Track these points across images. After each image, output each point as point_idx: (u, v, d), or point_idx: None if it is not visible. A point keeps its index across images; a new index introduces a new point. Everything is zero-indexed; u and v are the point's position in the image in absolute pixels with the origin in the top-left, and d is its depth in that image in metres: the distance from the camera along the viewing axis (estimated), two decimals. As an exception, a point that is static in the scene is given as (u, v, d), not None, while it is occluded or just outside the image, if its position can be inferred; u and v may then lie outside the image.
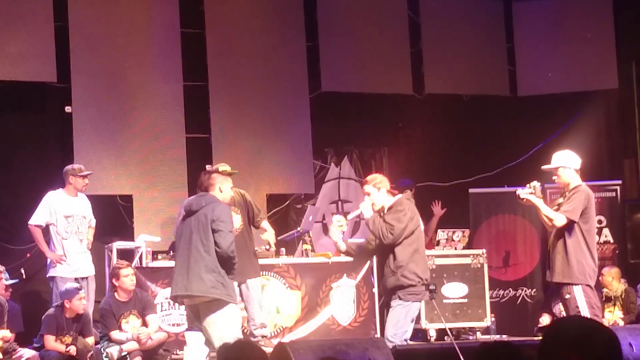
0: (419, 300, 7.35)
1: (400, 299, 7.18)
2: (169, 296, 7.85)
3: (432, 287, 7.30)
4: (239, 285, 8.57)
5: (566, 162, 7.62)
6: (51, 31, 10.01)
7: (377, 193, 7.35)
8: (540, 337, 2.63)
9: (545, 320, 10.29)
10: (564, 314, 9.81)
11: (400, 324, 7.18)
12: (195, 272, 6.98)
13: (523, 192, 7.59)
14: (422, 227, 7.54)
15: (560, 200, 7.65)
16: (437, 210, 11.11)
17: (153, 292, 8.84)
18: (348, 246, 7.71)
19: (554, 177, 7.69)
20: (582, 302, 7.36)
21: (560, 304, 9.81)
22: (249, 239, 8.77)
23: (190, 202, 7.41)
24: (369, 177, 7.56)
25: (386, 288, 7.34)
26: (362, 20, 11.44)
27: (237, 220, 8.56)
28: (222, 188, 7.34)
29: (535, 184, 7.61)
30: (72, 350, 8.03)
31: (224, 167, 8.80)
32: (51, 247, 8.84)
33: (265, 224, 9.03)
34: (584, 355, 2.49)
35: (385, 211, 7.34)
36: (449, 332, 7.67)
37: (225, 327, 6.93)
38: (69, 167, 9.01)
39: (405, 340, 7.17)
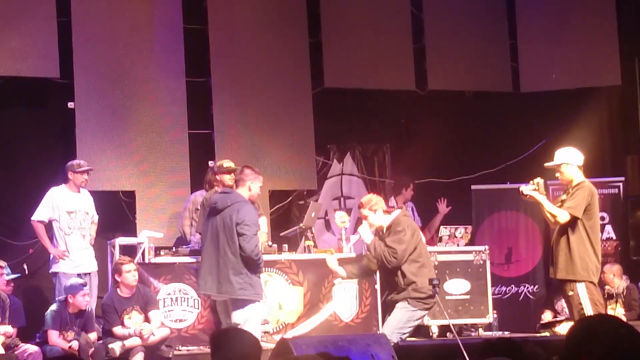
0: (426, 310, 7.38)
1: (408, 303, 7.22)
2: (198, 290, 8.19)
3: (435, 281, 7.32)
4: None
5: (569, 159, 7.61)
6: (54, 27, 10.01)
7: (374, 215, 7.38)
8: (565, 339, 2.58)
9: (547, 317, 10.29)
10: (566, 310, 9.81)
11: (400, 324, 7.22)
12: (224, 274, 7.31)
13: (526, 189, 7.59)
14: (423, 239, 7.57)
15: (564, 197, 7.64)
16: (442, 207, 11.09)
17: (155, 288, 8.84)
18: (348, 271, 7.72)
19: (557, 174, 7.69)
20: (585, 299, 7.36)
21: (563, 300, 9.82)
22: None
23: (215, 199, 7.52)
24: (363, 200, 7.55)
25: (396, 300, 7.35)
26: (365, 16, 11.43)
27: None
28: (252, 186, 7.45)
29: (539, 180, 7.61)
30: (75, 345, 8.04)
31: (228, 163, 8.82)
32: (54, 242, 8.85)
33: (262, 219, 9.08)
34: (594, 353, 2.45)
35: (385, 231, 7.35)
36: (452, 328, 7.66)
37: (251, 322, 7.16)
38: (69, 163, 9.01)
39: (400, 339, 7.19)
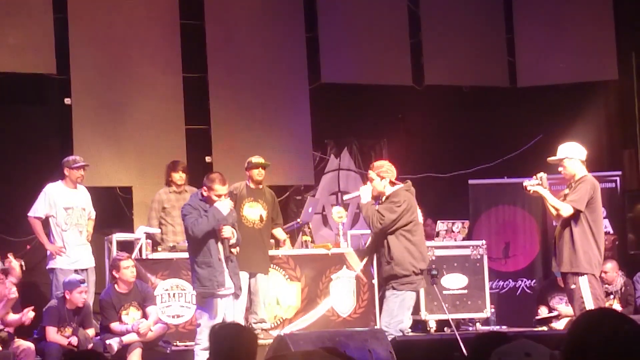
0: (414, 290, 7.33)
1: (393, 288, 7.22)
2: None
3: (434, 272, 7.31)
4: (250, 278, 8.77)
5: (571, 153, 7.62)
6: (50, 23, 10.00)
7: (379, 182, 7.37)
8: (567, 333, 2.56)
9: (543, 312, 10.30)
10: (559, 307, 9.84)
11: (394, 313, 7.19)
12: None
13: (530, 184, 7.60)
14: (420, 218, 7.53)
15: (567, 191, 7.66)
16: None
17: (153, 284, 8.84)
18: (367, 254, 7.81)
19: (560, 169, 7.70)
20: (587, 293, 7.36)
21: (557, 297, 9.84)
22: (266, 235, 8.99)
23: None
24: (376, 163, 7.60)
25: (381, 277, 7.43)
26: (361, 11, 11.42)
27: (264, 215, 8.92)
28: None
29: (542, 175, 7.61)
30: (74, 340, 8.02)
31: (257, 159, 8.94)
32: (51, 239, 8.83)
33: (280, 232, 9.18)
34: (613, 355, 2.44)
35: (384, 200, 7.36)
36: (451, 322, 7.66)
37: (206, 320, 7.28)
38: (64, 159, 8.99)
39: (401, 330, 7.17)
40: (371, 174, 7.45)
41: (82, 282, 8.26)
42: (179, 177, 9.47)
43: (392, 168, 7.48)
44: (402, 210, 7.21)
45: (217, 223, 7.28)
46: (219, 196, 7.31)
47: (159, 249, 9.20)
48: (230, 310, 7.48)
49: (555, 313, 10.11)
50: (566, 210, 7.45)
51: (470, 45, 11.70)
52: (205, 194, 7.37)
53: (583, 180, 7.53)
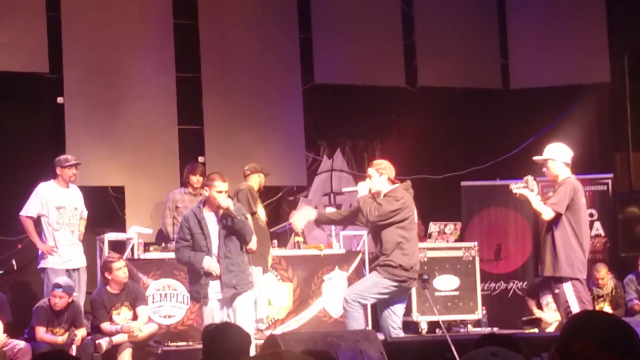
0: (395, 282, 7.26)
1: (376, 270, 7.26)
2: None
3: (425, 276, 7.33)
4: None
5: (555, 155, 7.65)
6: (43, 22, 9.98)
7: (378, 178, 7.42)
8: (559, 335, 2.61)
9: (532, 306, 10.34)
10: (551, 305, 9.87)
11: (362, 287, 7.36)
12: None
13: (515, 187, 7.62)
14: (415, 218, 7.56)
15: (551, 193, 7.69)
16: None
17: (145, 284, 8.83)
18: (320, 214, 7.80)
19: (544, 169, 7.74)
20: (572, 297, 7.38)
21: (548, 296, 9.86)
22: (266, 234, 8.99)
23: None
24: (375, 161, 7.71)
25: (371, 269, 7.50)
26: (355, 12, 11.43)
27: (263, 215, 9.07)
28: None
29: (528, 177, 7.64)
30: (81, 333, 8.06)
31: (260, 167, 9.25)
32: (42, 238, 8.80)
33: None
34: (603, 348, 2.47)
35: (382, 197, 7.39)
36: (441, 324, 7.66)
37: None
38: (56, 158, 8.98)
39: (359, 302, 7.23)
40: (370, 170, 7.52)
41: (58, 286, 8.17)
42: (196, 180, 9.57)
43: (391, 167, 7.53)
44: (400, 204, 7.25)
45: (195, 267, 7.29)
46: (220, 192, 7.20)
47: (151, 248, 9.19)
48: (234, 310, 7.34)
49: (544, 313, 10.12)
50: (547, 214, 7.48)
51: (463, 47, 11.72)
52: (206, 193, 7.30)
53: (563, 182, 7.56)
